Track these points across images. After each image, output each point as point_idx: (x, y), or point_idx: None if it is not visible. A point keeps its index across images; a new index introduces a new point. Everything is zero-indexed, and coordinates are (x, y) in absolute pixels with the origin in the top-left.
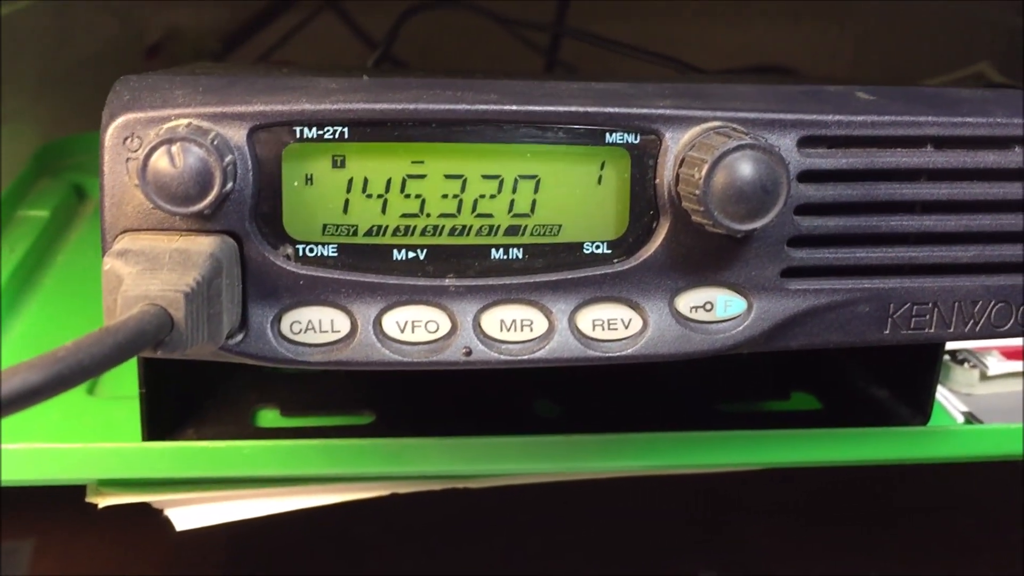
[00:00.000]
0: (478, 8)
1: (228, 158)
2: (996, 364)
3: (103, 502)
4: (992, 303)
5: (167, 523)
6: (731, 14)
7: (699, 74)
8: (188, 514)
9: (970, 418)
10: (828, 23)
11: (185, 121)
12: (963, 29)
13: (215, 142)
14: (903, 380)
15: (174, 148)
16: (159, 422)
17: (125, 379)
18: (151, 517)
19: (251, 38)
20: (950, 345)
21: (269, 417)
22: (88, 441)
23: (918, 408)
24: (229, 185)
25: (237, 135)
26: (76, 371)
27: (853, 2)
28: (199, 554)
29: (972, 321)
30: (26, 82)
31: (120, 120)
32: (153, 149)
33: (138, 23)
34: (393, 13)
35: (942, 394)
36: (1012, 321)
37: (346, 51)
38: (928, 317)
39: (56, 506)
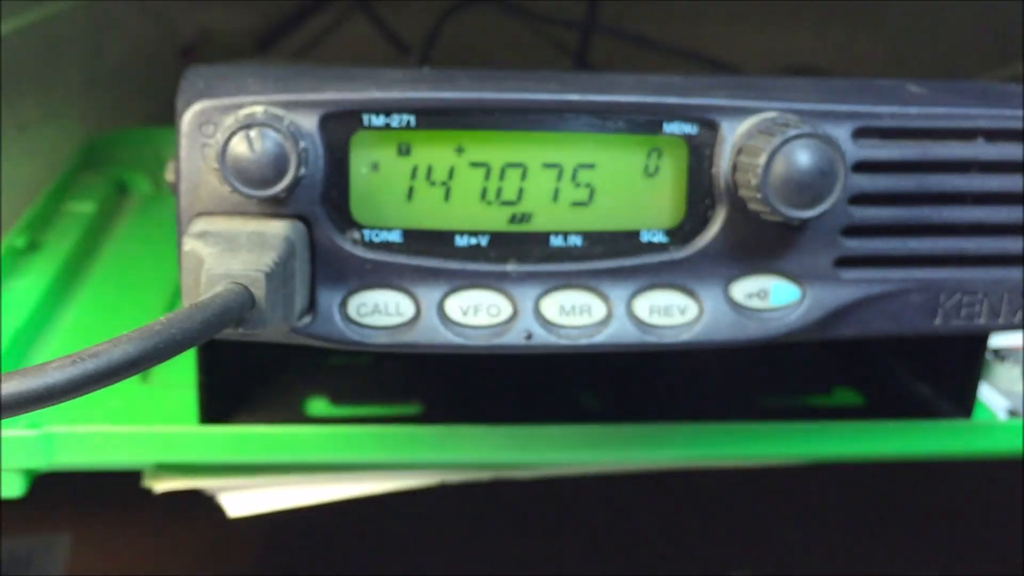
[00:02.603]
0: (511, 7)
1: (302, 143)
2: None
3: (160, 487)
4: None
5: (218, 510)
6: (760, 17)
7: (734, 73)
8: (240, 500)
9: (1013, 415)
10: (859, 26)
11: (260, 108)
12: (995, 29)
13: (290, 128)
14: (946, 375)
15: (252, 133)
16: (215, 406)
17: (176, 368)
18: (202, 505)
19: (282, 39)
20: (992, 342)
21: (319, 406)
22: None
23: (960, 404)
24: (302, 170)
25: (309, 122)
26: (170, 344)
27: (884, 4)
28: (249, 542)
29: (1021, 311)
30: (70, 81)
31: (196, 107)
32: (232, 134)
33: (172, 25)
34: (422, 14)
35: (984, 391)
36: None
37: (376, 53)
38: (978, 308)
39: (102, 495)
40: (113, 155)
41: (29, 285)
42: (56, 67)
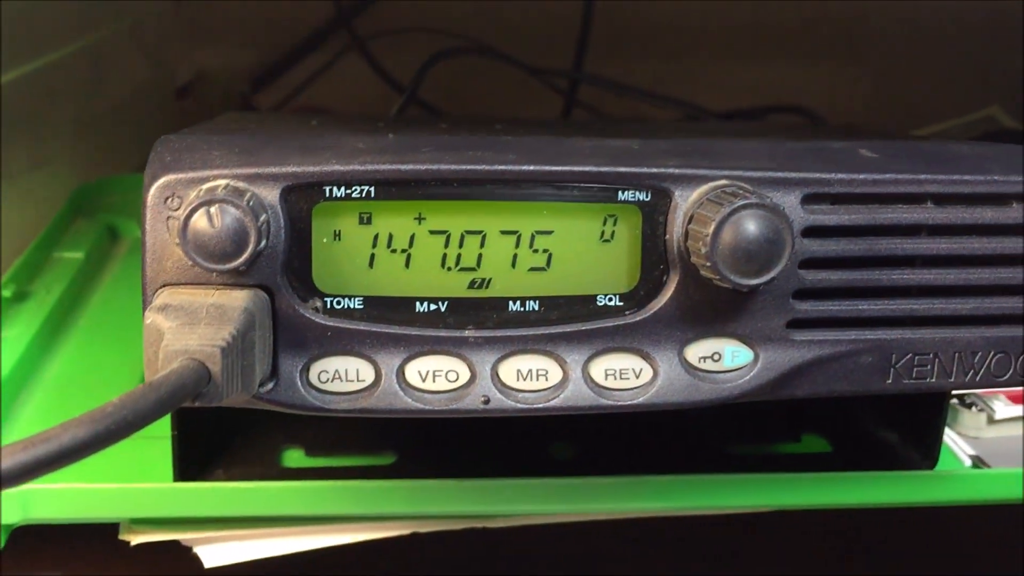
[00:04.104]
0: (500, 54)
1: (262, 217)
2: (1003, 408)
3: (135, 540)
4: (992, 353)
5: (196, 560)
6: (747, 54)
7: (711, 117)
8: (216, 551)
9: (977, 462)
10: (843, 65)
11: (223, 182)
12: (975, 73)
13: (250, 202)
14: (911, 424)
15: (213, 209)
16: (190, 463)
17: None
18: (180, 555)
19: (278, 80)
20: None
21: (295, 457)
22: (119, 480)
23: (926, 452)
24: (263, 243)
25: (270, 195)
26: (122, 426)
27: (868, 45)
28: None
29: (972, 371)
30: (63, 126)
31: (161, 180)
32: (193, 210)
33: (168, 66)
34: (416, 54)
35: (950, 437)
36: (1011, 371)
37: (369, 91)
38: (929, 367)
39: (85, 543)
40: (104, 201)
41: (16, 335)
42: (50, 114)
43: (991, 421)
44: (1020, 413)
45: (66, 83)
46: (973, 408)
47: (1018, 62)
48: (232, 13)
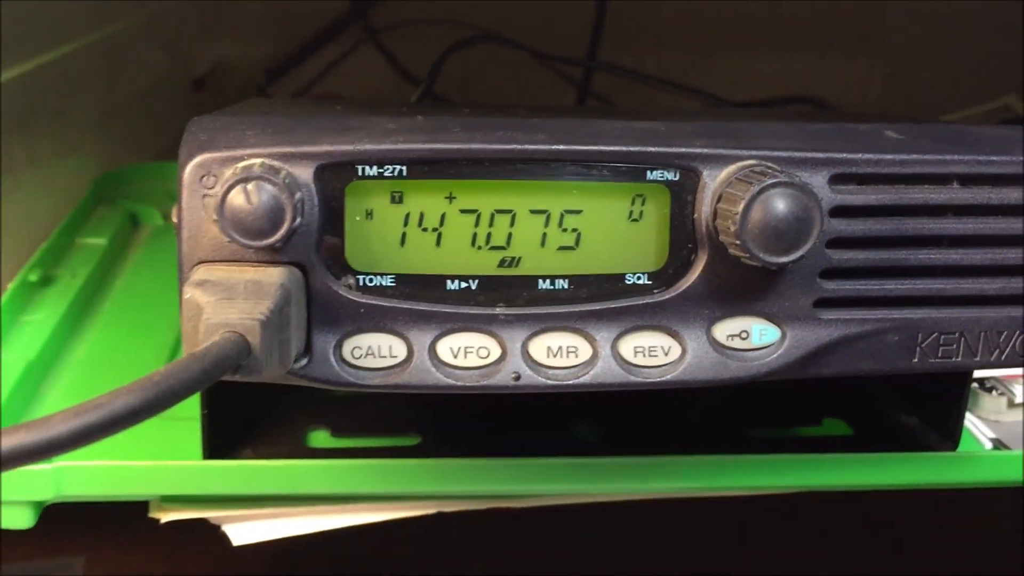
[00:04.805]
0: (514, 43)
1: (297, 195)
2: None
3: (165, 517)
4: (1017, 333)
5: (224, 539)
6: (761, 46)
7: (727, 106)
8: (245, 530)
9: (998, 444)
10: (857, 55)
11: (258, 160)
12: (990, 63)
13: (286, 180)
14: (932, 407)
15: (250, 186)
16: (219, 441)
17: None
18: (208, 533)
19: (293, 70)
20: (978, 373)
21: (320, 438)
22: (148, 458)
23: (947, 434)
24: (298, 220)
25: (305, 173)
26: (169, 395)
27: (882, 35)
28: (254, 569)
29: (998, 351)
30: (84, 116)
31: (197, 159)
32: (230, 187)
33: (185, 58)
34: (430, 47)
35: (970, 421)
36: None
37: (383, 83)
38: (955, 347)
39: (113, 522)
40: (125, 189)
41: (42, 319)
42: (71, 103)
43: (1011, 404)
44: None
45: (85, 74)
46: (993, 392)
47: None
48: (248, 5)
